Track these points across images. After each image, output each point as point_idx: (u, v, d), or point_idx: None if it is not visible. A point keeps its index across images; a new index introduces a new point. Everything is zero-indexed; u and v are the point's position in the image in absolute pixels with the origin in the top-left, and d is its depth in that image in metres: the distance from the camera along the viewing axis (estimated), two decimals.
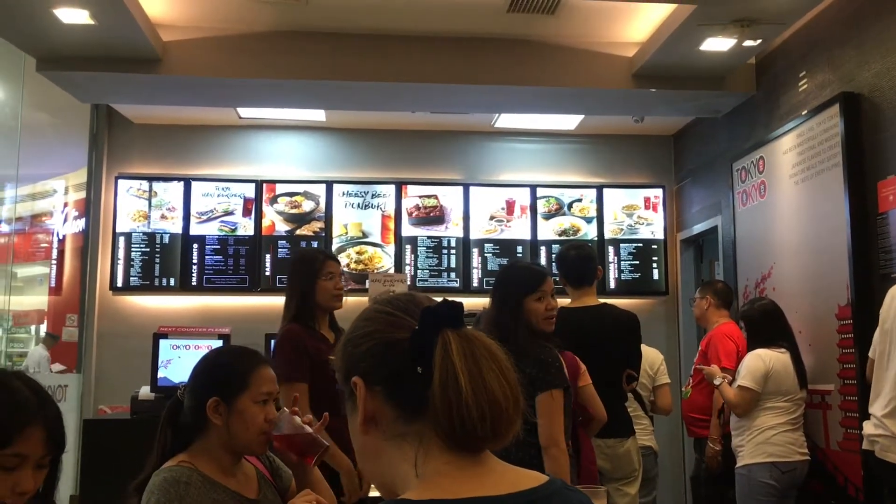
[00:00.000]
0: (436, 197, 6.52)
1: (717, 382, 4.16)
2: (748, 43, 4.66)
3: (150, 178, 6.30)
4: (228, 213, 6.31)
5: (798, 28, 4.74)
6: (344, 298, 3.31)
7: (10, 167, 6.09)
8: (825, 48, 4.53)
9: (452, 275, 6.43)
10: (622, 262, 6.61)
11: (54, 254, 8.15)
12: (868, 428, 3.10)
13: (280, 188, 6.39)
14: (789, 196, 4.74)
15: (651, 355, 4.28)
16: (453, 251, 6.46)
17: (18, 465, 1.36)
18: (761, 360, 4.01)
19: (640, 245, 6.66)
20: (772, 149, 4.95)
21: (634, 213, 6.68)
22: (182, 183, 6.30)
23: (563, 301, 3.73)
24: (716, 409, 4.32)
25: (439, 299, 1.04)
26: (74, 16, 4.32)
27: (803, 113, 4.62)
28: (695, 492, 4.80)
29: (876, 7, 4.07)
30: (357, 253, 6.38)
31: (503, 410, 0.96)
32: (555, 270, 5.41)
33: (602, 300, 3.76)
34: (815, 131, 4.46)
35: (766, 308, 4.23)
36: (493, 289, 3.03)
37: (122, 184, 6.27)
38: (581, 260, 3.75)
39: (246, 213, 6.33)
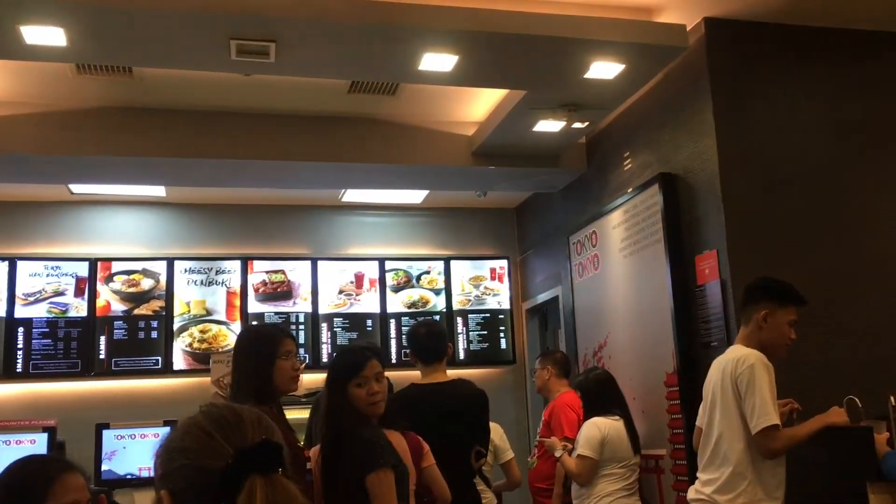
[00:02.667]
0: (283, 272, 6.43)
1: (557, 455, 4.26)
2: (577, 125, 4.94)
3: None
4: (59, 293, 5.96)
5: (621, 111, 5.08)
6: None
7: None
8: (645, 131, 4.87)
9: (301, 351, 6.32)
10: (471, 333, 6.72)
11: None
12: (690, 493, 3.26)
13: (116, 266, 6.12)
14: (619, 268, 5.01)
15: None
16: (302, 326, 6.36)
17: None
18: (597, 429, 4.15)
19: (488, 315, 6.80)
20: (603, 223, 5.23)
21: (481, 283, 6.84)
22: (6, 263, 5.91)
23: (415, 375, 3.77)
24: (559, 479, 4.42)
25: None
26: None
27: (629, 190, 4.93)
28: None
29: (684, 96, 4.42)
30: (201, 332, 6.16)
31: None
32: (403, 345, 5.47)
33: (452, 374, 3.80)
34: (638, 208, 4.76)
35: (600, 378, 4.41)
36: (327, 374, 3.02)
37: None
38: (431, 337, 3.80)
39: (78, 293, 6.00)
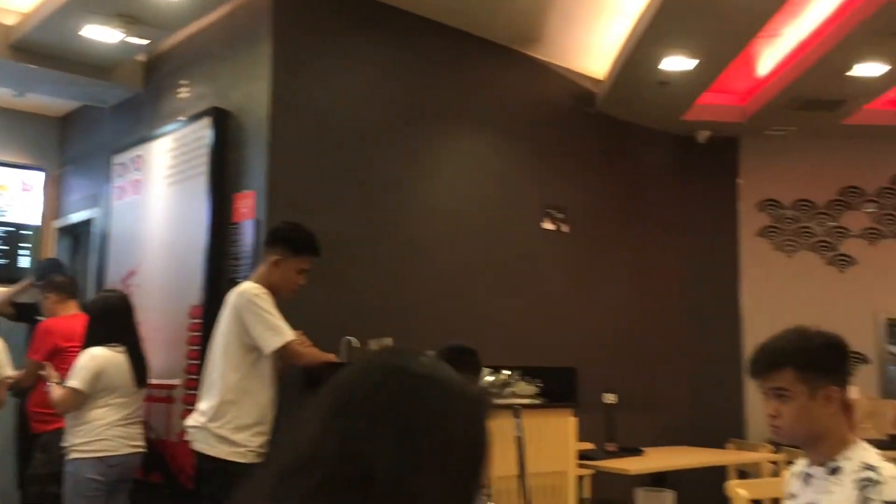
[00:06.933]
0: None
1: (52, 383, 4.01)
2: (134, 40, 4.66)
3: None
4: None
5: (186, 36, 4.92)
6: None
7: None
8: (206, 62, 4.78)
9: None
10: None
11: None
12: (188, 420, 3.34)
13: None
14: (161, 197, 4.87)
15: None
16: None
17: None
18: (93, 360, 3.89)
19: (11, 230, 6.12)
20: (150, 148, 5.03)
21: (5, 193, 6.12)
22: None
23: None
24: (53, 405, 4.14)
25: None
26: None
27: (181, 119, 4.80)
28: (27, 490, 4.52)
29: (247, 35, 4.45)
30: None
31: None
32: None
33: None
34: (188, 138, 4.68)
35: (108, 302, 4.12)
36: None
37: None
38: None
39: None
